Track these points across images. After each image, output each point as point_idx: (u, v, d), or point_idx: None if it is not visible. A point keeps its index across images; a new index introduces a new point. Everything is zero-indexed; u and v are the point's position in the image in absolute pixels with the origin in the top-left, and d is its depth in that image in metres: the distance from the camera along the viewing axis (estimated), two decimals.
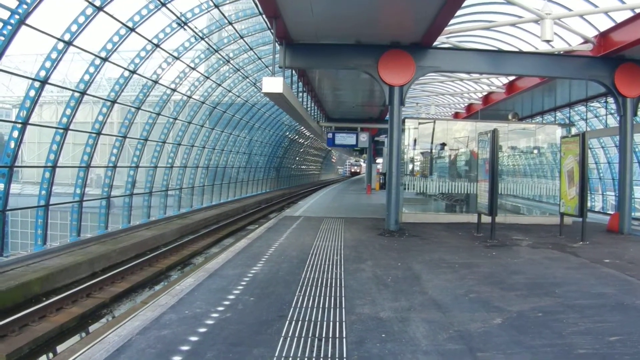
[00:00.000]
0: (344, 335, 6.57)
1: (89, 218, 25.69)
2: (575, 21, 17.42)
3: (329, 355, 5.91)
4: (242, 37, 23.89)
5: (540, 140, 22.70)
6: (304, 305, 7.87)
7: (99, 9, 15.33)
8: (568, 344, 6.41)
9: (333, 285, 9.23)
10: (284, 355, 5.89)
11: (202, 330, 6.68)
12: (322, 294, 8.56)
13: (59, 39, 15.12)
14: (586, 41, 17.16)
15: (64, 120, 17.22)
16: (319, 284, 9.26)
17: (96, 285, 14.36)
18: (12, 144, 14.84)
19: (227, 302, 7.95)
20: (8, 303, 12.02)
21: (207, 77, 26.78)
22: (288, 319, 7.22)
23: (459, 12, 16.08)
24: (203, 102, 28.80)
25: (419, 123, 21.85)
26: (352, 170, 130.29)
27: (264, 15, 18.30)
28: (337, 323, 7.06)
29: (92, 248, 17.38)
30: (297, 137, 60.49)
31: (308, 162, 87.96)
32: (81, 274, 15.28)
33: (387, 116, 20.86)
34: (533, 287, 9.42)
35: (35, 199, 17.34)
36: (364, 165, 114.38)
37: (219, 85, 28.95)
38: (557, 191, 18.19)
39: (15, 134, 14.79)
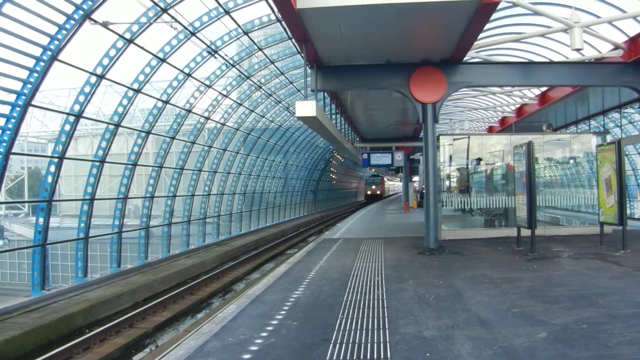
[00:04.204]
0: (389, 356, 6.52)
1: (128, 248, 25.96)
2: (604, 28, 17.26)
3: None
4: (272, 62, 24.11)
5: (575, 150, 22.41)
6: (347, 328, 7.83)
7: (130, 41, 15.63)
8: (615, 355, 6.31)
9: (375, 306, 9.18)
10: None
11: (247, 356, 6.69)
12: (365, 316, 8.51)
13: (91, 73, 15.36)
14: (616, 47, 16.99)
15: (100, 152, 17.47)
16: (362, 306, 9.21)
17: (139, 315, 14.42)
18: (50, 179, 15.08)
19: (270, 328, 7.95)
20: (52, 336, 12.14)
21: (240, 104, 27.03)
22: (332, 342, 7.18)
23: (487, 26, 16.03)
24: (237, 129, 29.08)
25: (454, 139, 21.71)
26: (369, 191, 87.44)
27: (293, 40, 18.44)
28: (382, 344, 7.01)
29: (133, 278, 17.52)
30: (332, 159, 60.46)
31: (344, 182, 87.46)
32: (123, 304, 15.40)
33: (422, 134, 20.80)
34: (576, 298, 9.26)
35: (74, 231, 17.59)
36: (389, 183, 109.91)
37: (252, 111, 29.21)
38: (596, 200, 17.86)
39: (52, 168, 15.07)
